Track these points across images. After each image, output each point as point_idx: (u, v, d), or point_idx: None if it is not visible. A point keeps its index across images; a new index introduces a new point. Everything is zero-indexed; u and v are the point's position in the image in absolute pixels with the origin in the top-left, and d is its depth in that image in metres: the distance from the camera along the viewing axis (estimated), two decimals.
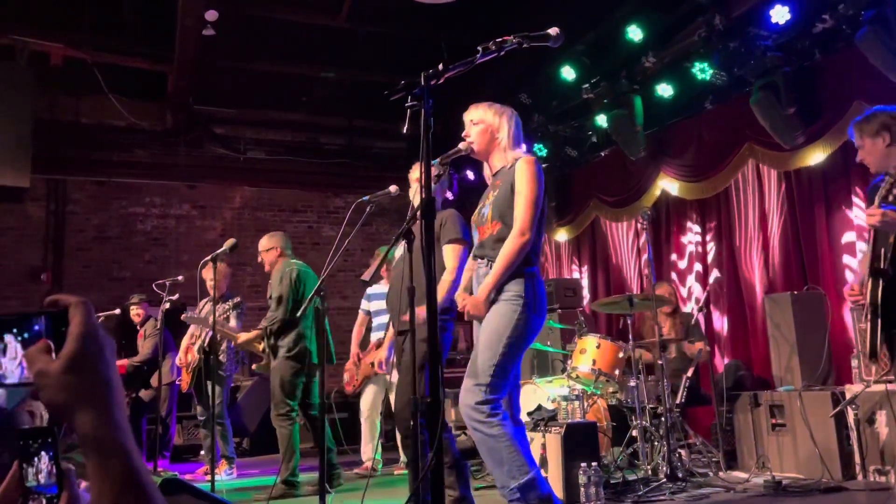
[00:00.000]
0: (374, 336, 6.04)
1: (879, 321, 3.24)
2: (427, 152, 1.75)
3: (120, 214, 9.14)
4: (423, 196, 1.72)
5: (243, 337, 5.81)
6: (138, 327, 7.67)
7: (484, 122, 3.22)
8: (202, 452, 7.42)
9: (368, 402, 6.20)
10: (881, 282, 3.25)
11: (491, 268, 3.07)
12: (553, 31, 2.30)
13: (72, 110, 8.78)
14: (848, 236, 5.64)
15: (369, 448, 6.17)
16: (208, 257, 4.92)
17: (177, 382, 7.07)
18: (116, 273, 8.99)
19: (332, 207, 10.19)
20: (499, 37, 2.13)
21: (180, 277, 6.40)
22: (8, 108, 7.46)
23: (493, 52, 2.04)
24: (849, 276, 5.54)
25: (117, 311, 7.43)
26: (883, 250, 3.29)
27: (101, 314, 7.18)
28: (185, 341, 6.58)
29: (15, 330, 0.87)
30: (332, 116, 9.74)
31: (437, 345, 1.75)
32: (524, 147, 3.28)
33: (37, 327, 0.87)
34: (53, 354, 0.83)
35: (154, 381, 7.13)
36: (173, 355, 7.10)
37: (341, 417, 8.38)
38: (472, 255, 3.38)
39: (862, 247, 5.62)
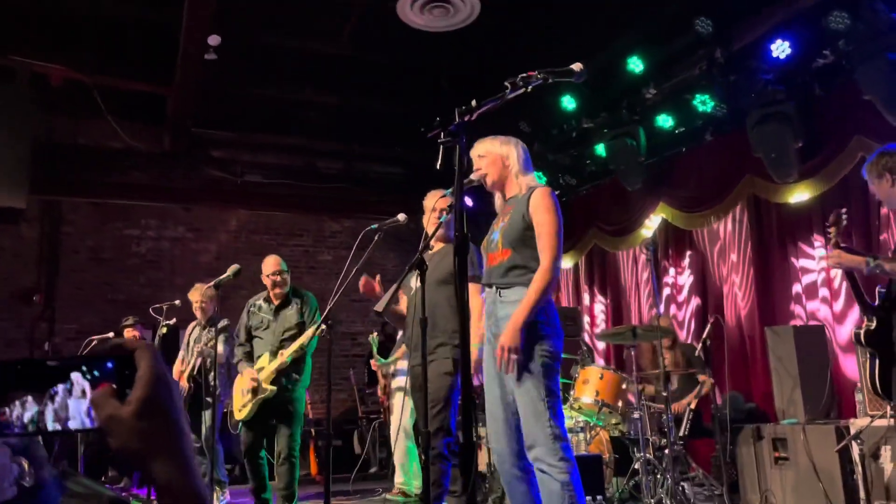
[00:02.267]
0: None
1: (878, 361, 3.37)
2: (460, 188, 1.74)
3: (115, 236, 9.07)
4: (457, 233, 1.71)
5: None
6: None
7: (491, 152, 3.23)
8: None
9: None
10: (876, 318, 3.37)
11: (501, 295, 3.09)
12: (577, 66, 2.31)
13: (70, 132, 8.74)
14: None
15: (399, 472, 6.02)
16: (212, 282, 4.87)
17: None
18: (110, 295, 8.89)
19: (328, 232, 10.16)
20: (498, 65, 2.14)
21: (177, 302, 6.32)
22: (7, 130, 7.41)
23: (521, 88, 2.05)
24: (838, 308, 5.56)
25: (111, 334, 7.34)
26: (878, 288, 3.46)
27: (94, 337, 7.10)
28: (175, 367, 6.48)
29: (84, 368, 0.85)
30: (329, 141, 9.73)
31: (471, 385, 1.72)
32: (533, 174, 3.29)
33: (109, 365, 0.85)
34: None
35: None
36: None
37: (335, 445, 8.30)
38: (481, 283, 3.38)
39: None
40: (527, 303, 2.92)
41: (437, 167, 1.83)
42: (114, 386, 0.83)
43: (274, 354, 4.90)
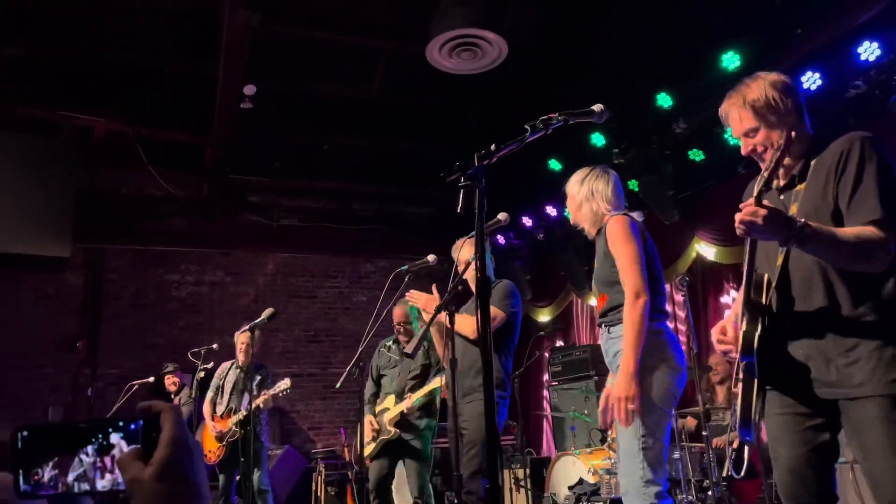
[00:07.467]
0: None
1: (756, 380, 2.18)
2: (480, 232, 1.76)
3: (156, 282, 9.28)
4: (478, 275, 1.72)
5: None
6: (173, 396, 7.68)
7: (571, 194, 3.20)
8: None
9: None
10: (760, 322, 2.21)
11: (609, 332, 3.00)
12: (597, 107, 2.32)
13: (112, 181, 9.03)
14: None
15: None
16: (246, 326, 4.93)
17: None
18: (151, 340, 9.06)
19: (363, 273, 10.26)
20: (528, 106, 2.16)
21: (215, 345, 6.42)
22: (52, 182, 7.70)
23: (541, 131, 2.06)
24: None
25: (151, 379, 7.46)
26: (766, 277, 2.29)
27: (135, 382, 7.22)
28: (206, 409, 6.37)
29: (112, 429, 0.88)
30: (363, 183, 9.89)
31: (495, 426, 1.72)
32: (614, 206, 3.10)
33: (133, 427, 0.87)
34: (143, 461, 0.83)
35: None
36: None
37: None
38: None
39: None
40: (626, 346, 2.75)
41: (458, 211, 1.85)
42: (140, 449, 0.85)
43: (399, 397, 4.91)
